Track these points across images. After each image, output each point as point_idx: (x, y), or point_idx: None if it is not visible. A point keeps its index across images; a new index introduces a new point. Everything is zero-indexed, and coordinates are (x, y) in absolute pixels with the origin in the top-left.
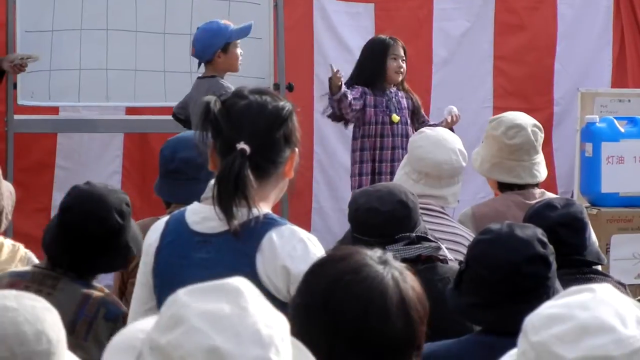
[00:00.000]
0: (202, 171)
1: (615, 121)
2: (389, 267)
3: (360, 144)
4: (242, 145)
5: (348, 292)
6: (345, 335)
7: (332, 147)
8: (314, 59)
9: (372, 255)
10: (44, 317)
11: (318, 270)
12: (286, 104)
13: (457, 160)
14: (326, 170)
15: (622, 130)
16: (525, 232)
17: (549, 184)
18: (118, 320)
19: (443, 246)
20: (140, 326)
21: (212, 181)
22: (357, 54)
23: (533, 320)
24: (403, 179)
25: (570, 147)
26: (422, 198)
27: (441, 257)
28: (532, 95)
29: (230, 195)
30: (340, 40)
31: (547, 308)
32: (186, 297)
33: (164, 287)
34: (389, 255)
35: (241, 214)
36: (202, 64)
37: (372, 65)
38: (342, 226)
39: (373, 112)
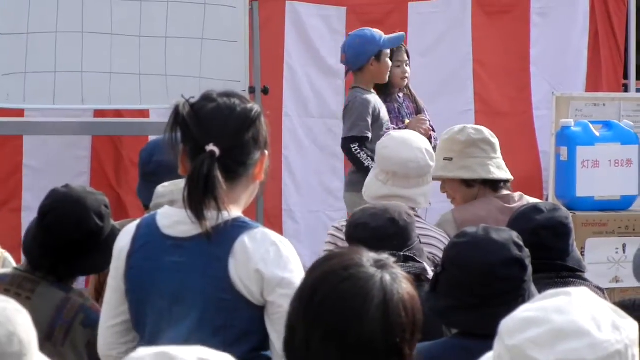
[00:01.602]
0: (177, 174)
1: (591, 125)
2: (384, 271)
3: None
4: (211, 147)
5: (332, 288)
6: (321, 328)
7: (304, 150)
8: (284, 61)
9: (370, 257)
10: (16, 319)
11: (317, 263)
12: (254, 107)
13: (423, 159)
14: (294, 172)
15: (597, 134)
16: (501, 235)
17: (535, 186)
18: (95, 327)
19: (429, 268)
20: None
21: (159, 187)
22: (327, 57)
23: (508, 323)
24: (372, 182)
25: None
26: (391, 199)
27: (429, 278)
28: (511, 99)
29: (200, 196)
30: (311, 44)
31: (523, 311)
32: None
33: (135, 291)
34: (390, 260)
35: (212, 217)
36: (349, 73)
37: None
38: (311, 229)
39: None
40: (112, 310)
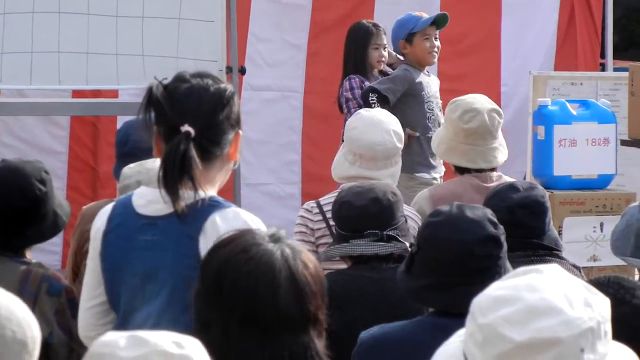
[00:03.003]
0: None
1: (568, 104)
2: (280, 244)
3: None
4: (186, 127)
5: (238, 271)
6: (238, 313)
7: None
8: (247, 40)
9: (263, 234)
10: (21, 315)
11: (211, 254)
12: (228, 86)
13: (390, 141)
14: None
15: (574, 113)
16: (475, 213)
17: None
18: (61, 295)
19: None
20: None
21: (125, 169)
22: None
23: (481, 301)
24: (340, 161)
25: (518, 128)
26: (358, 180)
27: None
28: (479, 76)
29: (176, 177)
30: (277, 24)
31: (495, 289)
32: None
33: (110, 269)
34: (282, 233)
35: (187, 196)
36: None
37: (355, 56)
38: (266, 200)
39: None
40: (91, 291)
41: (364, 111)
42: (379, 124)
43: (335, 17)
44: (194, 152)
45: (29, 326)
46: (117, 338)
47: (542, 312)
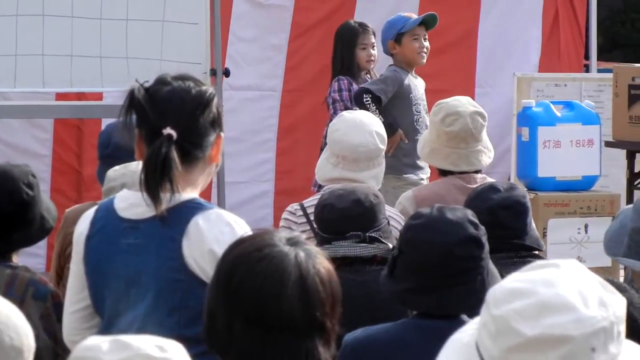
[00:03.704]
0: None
1: (552, 105)
2: (297, 248)
3: None
4: (168, 130)
5: (248, 269)
6: (242, 311)
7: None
8: (228, 40)
9: (282, 236)
10: (18, 323)
11: (228, 250)
12: (209, 89)
13: (373, 142)
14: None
15: (559, 114)
16: (455, 215)
17: None
18: (47, 299)
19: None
20: None
21: (110, 171)
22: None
23: (496, 292)
24: (323, 163)
25: (492, 127)
26: (342, 182)
27: None
28: (453, 75)
29: (157, 179)
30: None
31: (511, 281)
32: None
33: (94, 274)
34: (302, 237)
35: (167, 199)
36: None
37: (343, 56)
38: (241, 199)
39: None
40: (75, 295)
41: (346, 113)
42: (362, 126)
43: (316, 17)
44: (175, 155)
45: (26, 334)
46: (100, 342)
47: (555, 308)
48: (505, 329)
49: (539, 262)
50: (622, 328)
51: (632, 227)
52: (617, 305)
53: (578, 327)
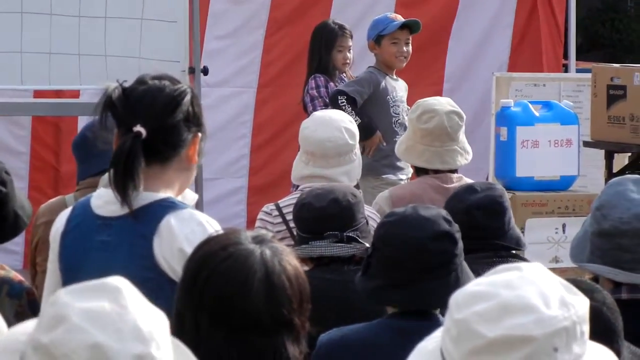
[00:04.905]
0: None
1: (530, 105)
2: (263, 245)
3: None
4: (137, 128)
5: (213, 268)
6: (208, 309)
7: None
8: (205, 36)
9: (248, 234)
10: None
11: (195, 249)
12: (183, 87)
13: (341, 137)
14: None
15: (537, 114)
16: (429, 212)
17: None
18: (22, 297)
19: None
20: (21, 329)
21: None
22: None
23: (458, 297)
24: (296, 163)
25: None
26: (313, 179)
27: None
28: (422, 70)
29: (122, 176)
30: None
31: (474, 285)
32: (67, 297)
33: (68, 270)
34: (268, 235)
35: (143, 197)
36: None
37: (320, 56)
38: (214, 195)
39: None
40: (51, 293)
41: (318, 112)
42: (330, 122)
43: (293, 14)
44: (139, 152)
45: (0, 332)
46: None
47: (517, 310)
48: (466, 332)
49: (502, 265)
50: (586, 328)
51: (591, 231)
52: (580, 306)
53: (539, 327)
